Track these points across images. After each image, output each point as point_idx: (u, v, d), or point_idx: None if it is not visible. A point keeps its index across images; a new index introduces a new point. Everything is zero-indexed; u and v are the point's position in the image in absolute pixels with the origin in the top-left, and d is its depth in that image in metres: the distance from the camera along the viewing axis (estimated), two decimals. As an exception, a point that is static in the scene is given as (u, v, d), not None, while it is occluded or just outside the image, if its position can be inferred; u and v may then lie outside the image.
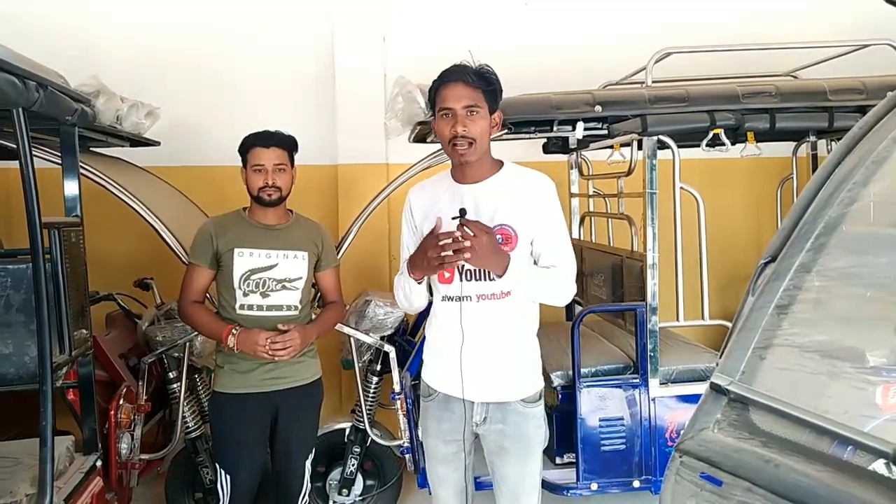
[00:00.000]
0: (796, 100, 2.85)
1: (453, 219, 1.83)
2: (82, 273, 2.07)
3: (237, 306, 2.39)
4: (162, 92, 3.57)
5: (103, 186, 2.74)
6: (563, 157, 3.98)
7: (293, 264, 2.46)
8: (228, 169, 4.03)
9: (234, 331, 2.31)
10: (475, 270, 1.93)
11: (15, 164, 3.26)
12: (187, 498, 3.16)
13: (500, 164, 2.02)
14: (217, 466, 2.47)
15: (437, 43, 4.06)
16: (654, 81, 2.95)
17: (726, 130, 2.85)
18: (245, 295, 2.39)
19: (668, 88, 2.86)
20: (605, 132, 2.84)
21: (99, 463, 2.10)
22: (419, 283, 1.98)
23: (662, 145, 2.85)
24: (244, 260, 2.39)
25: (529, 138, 3.29)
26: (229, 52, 4.11)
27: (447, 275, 1.98)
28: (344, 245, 2.98)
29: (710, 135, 2.86)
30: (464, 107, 1.86)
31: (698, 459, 1.24)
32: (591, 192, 3.76)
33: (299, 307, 2.48)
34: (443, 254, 1.79)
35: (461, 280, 1.95)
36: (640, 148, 2.95)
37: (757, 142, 2.98)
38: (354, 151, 4.06)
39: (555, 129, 2.89)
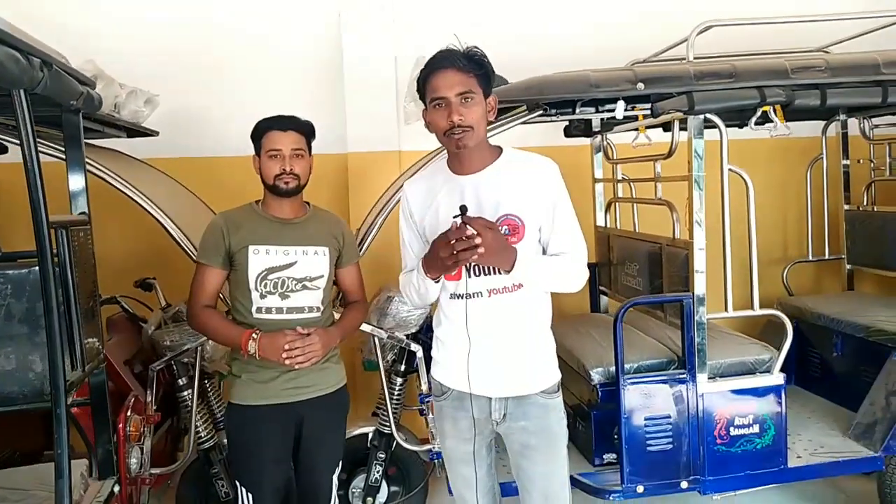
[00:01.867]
0: (847, 74, 2.67)
1: (454, 217, 1.74)
2: (92, 277, 1.85)
3: (253, 309, 2.18)
4: (160, 79, 3.31)
5: (104, 180, 2.50)
6: (586, 141, 3.78)
7: (313, 261, 2.24)
8: (232, 160, 3.83)
9: (254, 335, 2.10)
10: (483, 266, 1.85)
11: (4, 158, 3.08)
12: (201, 513, 2.97)
13: (499, 150, 1.93)
14: (237, 484, 2.25)
15: (449, 25, 3.81)
16: (695, 57, 2.75)
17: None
18: (262, 297, 2.18)
19: (713, 63, 2.67)
20: (648, 110, 2.64)
21: (117, 488, 1.89)
22: (436, 282, 1.89)
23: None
24: (260, 258, 2.17)
25: (551, 121, 3.09)
26: (232, 37, 3.85)
27: (442, 274, 1.87)
28: (367, 240, 2.76)
29: (759, 112, 2.67)
30: (457, 94, 1.76)
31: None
32: (618, 177, 3.56)
33: (321, 308, 2.27)
34: (455, 252, 1.70)
35: (468, 276, 1.87)
36: (682, 128, 2.76)
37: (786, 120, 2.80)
38: (365, 139, 3.83)
39: (596, 109, 2.68)
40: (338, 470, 2.38)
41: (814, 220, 4.00)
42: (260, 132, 2.21)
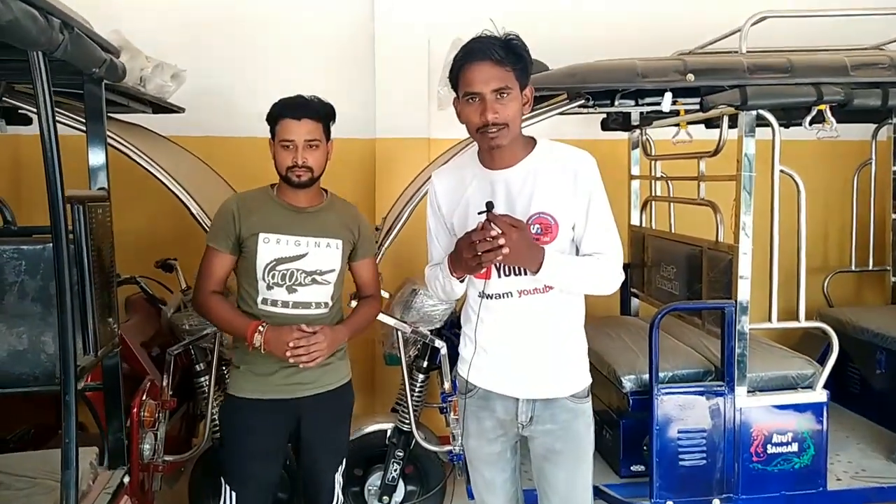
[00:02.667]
0: (913, 73, 2.51)
1: (479, 213, 1.64)
2: (109, 256, 1.75)
3: (259, 300, 2.07)
4: (186, 54, 3.22)
5: (127, 155, 2.42)
6: (623, 136, 3.63)
7: (325, 254, 2.11)
8: (257, 140, 3.70)
9: (260, 328, 1.99)
10: (511, 266, 1.76)
11: (26, 130, 3.01)
12: (213, 502, 2.88)
13: (533, 142, 1.81)
14: (222, 481, 2.12)
15: (486, 4, 3.69)
16: (748, 50, 2.59)
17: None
18: (269, 288, 2.06)
19: (766, 56, 2.51)
20: (696, 105, 2.49)
21: (127, 479, 1.80)
22: (462, 282, 1.82)
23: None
24: (270, 247, 2.05)
25: (589, 113, 2.96)
26: (262, 15, 3.74)
27: (468, 274, 1.78)
28: (393, 232, 2.65)
29: (814, 111, 2.51)
30: (493, 90, 1.64)
31: None
32: (657, 175, 3.41)
33: (330, 304, 2.15)
34: (478, 253, 1.61)
35: (498, 276, 1.79)
36: (731, 125, 2.62)
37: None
38: (395, 125, 3.71)
39: (638, 101, 2.54)
40: (341, 468, 2.27)
41: (858, 229, 3.83)
42: (274, 118, 2.07)
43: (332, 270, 2.13)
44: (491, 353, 1.84)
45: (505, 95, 1.65)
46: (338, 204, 2.24)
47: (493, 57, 1.63)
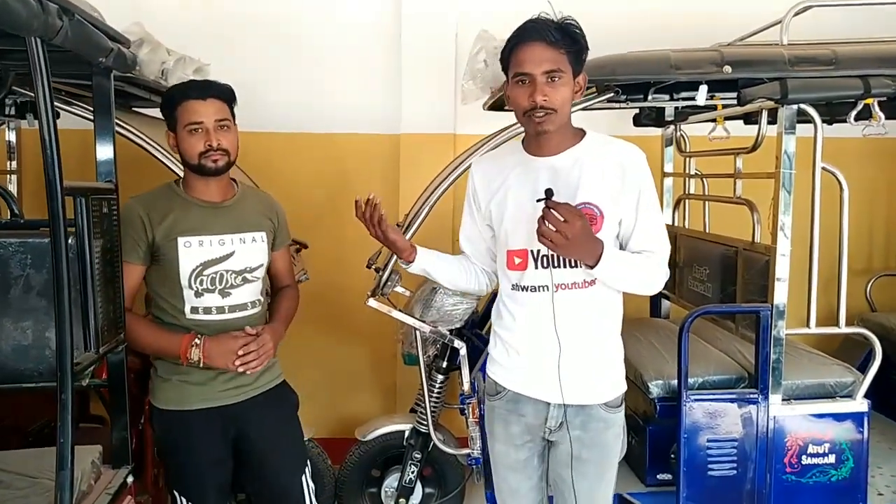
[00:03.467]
0: (967, 64, 2.34)
1: (538, 201, 1.58)
2: (116, 251, 1.71)
3: (187, 310, 1.91)
4: (209, 48, 3.19)
5: (142, 147, 2.40)
6: (656, 132, 3.50)
7: (252, 249, 1.99)
8: (281, 136, 3.70)
9: (196, 341, 1.85)
10: (552, 255, 1.69)
11: (37, 124, 3.01)
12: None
13: (582, 133, 1.77)
14: (175, 493, 2.01)
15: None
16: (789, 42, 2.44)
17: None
18: (198, 295, 1.90)
19: (809, 48, 2.37)
20: (734, 98, 2.36)
21: (130, 479, 1.76)
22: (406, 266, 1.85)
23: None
24: (193, 251, 1.89)
25: (620, 108, 2.84)
26: (287, 9, 3.70)
27: (518, 260, 1.71)
28: (412, 228, 2.57)
29: (860, 106, 2.36)
30: (544, 72, 1.60)
31: None
32: (691, 172, 3.27)
33: (262, 300, 2.06)
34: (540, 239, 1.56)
35: (537, 267, 1.72)
36: (770, 120, 2.48)
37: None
38: (420, 120, 3.63)
39: (674, 94, 2.43)
40: (307, 469, 2.17)
41: (905, 231, 3.64)
42: (173, 102, 1.90)
43: (261, 265, 2.03)
44: (523, 353, 1.78)
45: (556, 79, 1.61)
46: (250, 192, 2.13)
47: (547, 38, 1.59)
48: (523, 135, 1.83)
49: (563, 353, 1.73)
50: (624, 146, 1.74)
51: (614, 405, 1.80)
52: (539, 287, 1.72)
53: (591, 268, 1.62)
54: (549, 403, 1.77)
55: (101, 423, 2.88)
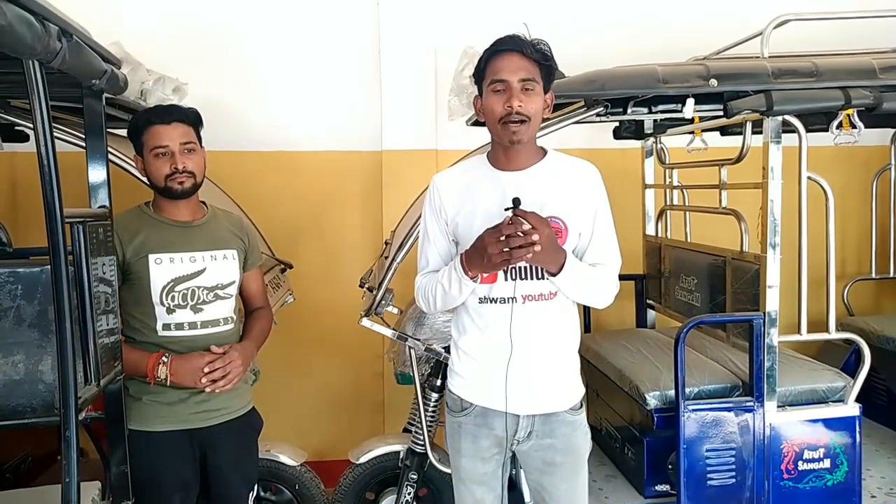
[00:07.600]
0: (942, 75, 2.41)
1: (506, 210, 1.61)
2: (111, 277, 1.65)
3: (159, 327, 1.93)
4: (187, 67, 3.12)
5: (128, 172, 2.32)
6: (633, 144, 3.54)
7: (223, 266, 2.02)
8: (260, 155, 3.65)
9: (163, 359, 1.87)
10: (521, 268, 1.74)
11: (22, 147, 2.92)
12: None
13: (544, 151, 1.84)
14: None
15: (494, 16, 3.61)
16: (770, 55, 2.49)
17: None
18: (170, 312, 1.92)
19: (791, 60, 2.42)
20: (721, 111, 2.40)
21: (131, 516, 1.69)
22: (475, 281, 1.73)
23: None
24: (164, 268, 1.92)
25: (601, 121, 2.87)
26: (265, 27, 3.65)
27: (486, 273, 1.72)
28: (406, 246, 2.54)
29: (841, 116, 2.42)
30: (520, 79, 1.67)
31: None
32: (674, 183, 3.31)
33: (234, 318, 2.06)
34: (506, 249, 1.57)
35: (507, 279, 1.75)
36: (755, 131, 2.53)
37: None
38: (401, 136, 3.62)
39: (629, 109, 2.48)
40: (253, 493, 2.19)
41: (878, 235, 3.74)
42: (139, 127, 1.95)
43: (233, 283, 2.05)
44: (492, 366, 1.79)
45: (531, 89, 1.67)
46: (220, 213, 2.16)
47: (523, 50, 1.67)
48: (488, 149, 1.87)
49: (533, 364, 1.78)
50: (582, 164, 1.82)
51: (577, 408, 1.86)
52: (507, 299, 1.75)
53: (554, 275, 1.68)
54: (518, 415, 1.80)
55: (83, 456, 2.78)
